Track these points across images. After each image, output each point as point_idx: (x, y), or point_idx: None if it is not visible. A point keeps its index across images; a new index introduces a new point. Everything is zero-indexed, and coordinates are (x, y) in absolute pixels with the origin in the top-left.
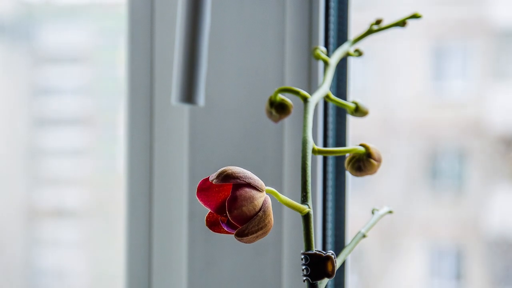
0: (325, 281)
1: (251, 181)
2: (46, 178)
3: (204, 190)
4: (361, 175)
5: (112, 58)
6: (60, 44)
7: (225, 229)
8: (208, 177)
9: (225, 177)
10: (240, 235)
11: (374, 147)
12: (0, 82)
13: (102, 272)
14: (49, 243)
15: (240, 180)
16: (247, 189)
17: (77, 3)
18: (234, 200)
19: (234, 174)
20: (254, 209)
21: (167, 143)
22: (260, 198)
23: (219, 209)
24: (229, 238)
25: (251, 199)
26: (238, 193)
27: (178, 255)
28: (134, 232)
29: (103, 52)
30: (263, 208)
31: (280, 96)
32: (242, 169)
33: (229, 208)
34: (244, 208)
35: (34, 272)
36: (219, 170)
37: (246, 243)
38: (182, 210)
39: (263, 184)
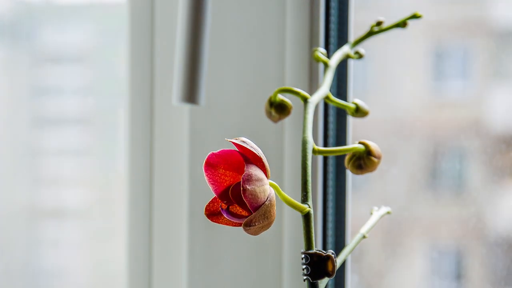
0: (325, 280)
1: (263, 158)
2: (46, 178)
3: (211, 166)
4: (361, 173)
5: (112, 58)
6: (60, 44)
7: (226, 216)
8: (217, 152)
9: (243, 141)
10: (248, 224)
11: (373, 145)
12: (0, 82)
13: (102, 272)
14: (50, 243)
15: (255, 150)
16: (259, 171)
17: (77, 3)
18: (249, 177)
19: (250, 144)
20: (264, 193)
21: (167, 143)
22: (267, 185)
23: (222, 194)
24: (229, 238)
25: (261, 182)
26: (251, 172)
27: (178, 255)
28: (134, 232)
29: (103, 52)
30: (269, 198)
31: (280, 96)
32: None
33: (244, 183)
34: (256, 189)
35: (34, 272)
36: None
37: (251, 234)
38: (182, 210)
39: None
